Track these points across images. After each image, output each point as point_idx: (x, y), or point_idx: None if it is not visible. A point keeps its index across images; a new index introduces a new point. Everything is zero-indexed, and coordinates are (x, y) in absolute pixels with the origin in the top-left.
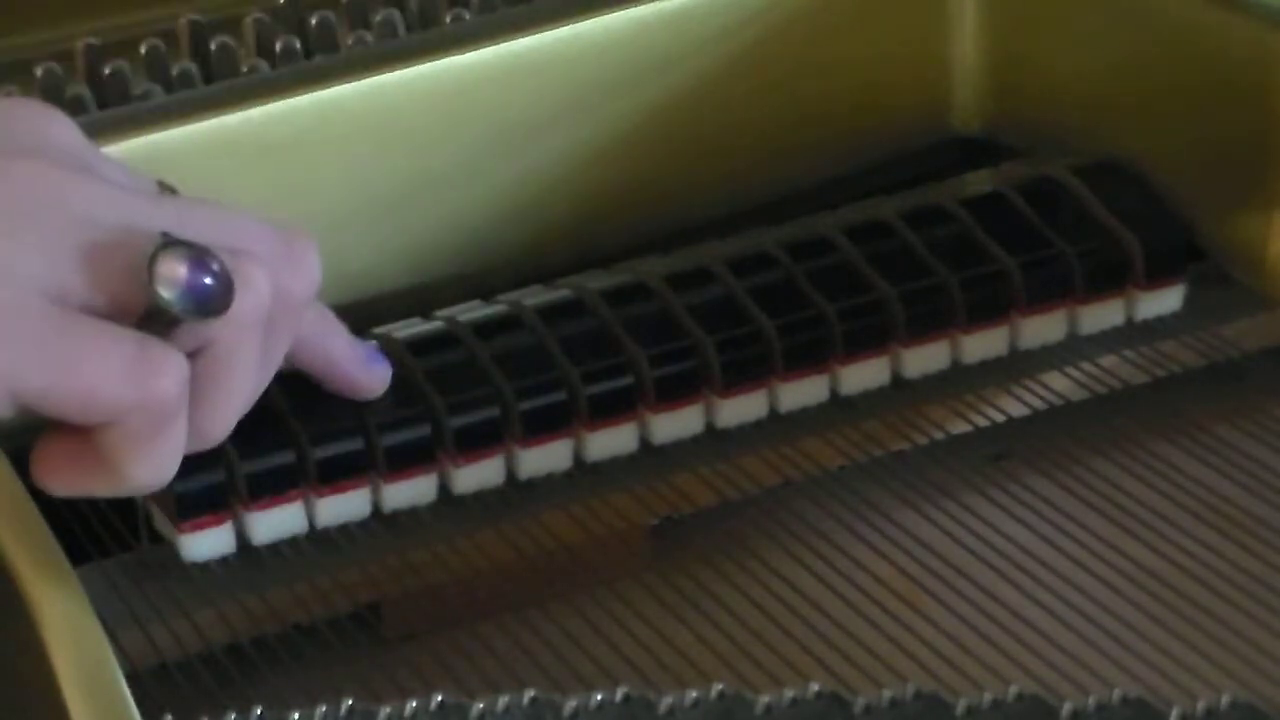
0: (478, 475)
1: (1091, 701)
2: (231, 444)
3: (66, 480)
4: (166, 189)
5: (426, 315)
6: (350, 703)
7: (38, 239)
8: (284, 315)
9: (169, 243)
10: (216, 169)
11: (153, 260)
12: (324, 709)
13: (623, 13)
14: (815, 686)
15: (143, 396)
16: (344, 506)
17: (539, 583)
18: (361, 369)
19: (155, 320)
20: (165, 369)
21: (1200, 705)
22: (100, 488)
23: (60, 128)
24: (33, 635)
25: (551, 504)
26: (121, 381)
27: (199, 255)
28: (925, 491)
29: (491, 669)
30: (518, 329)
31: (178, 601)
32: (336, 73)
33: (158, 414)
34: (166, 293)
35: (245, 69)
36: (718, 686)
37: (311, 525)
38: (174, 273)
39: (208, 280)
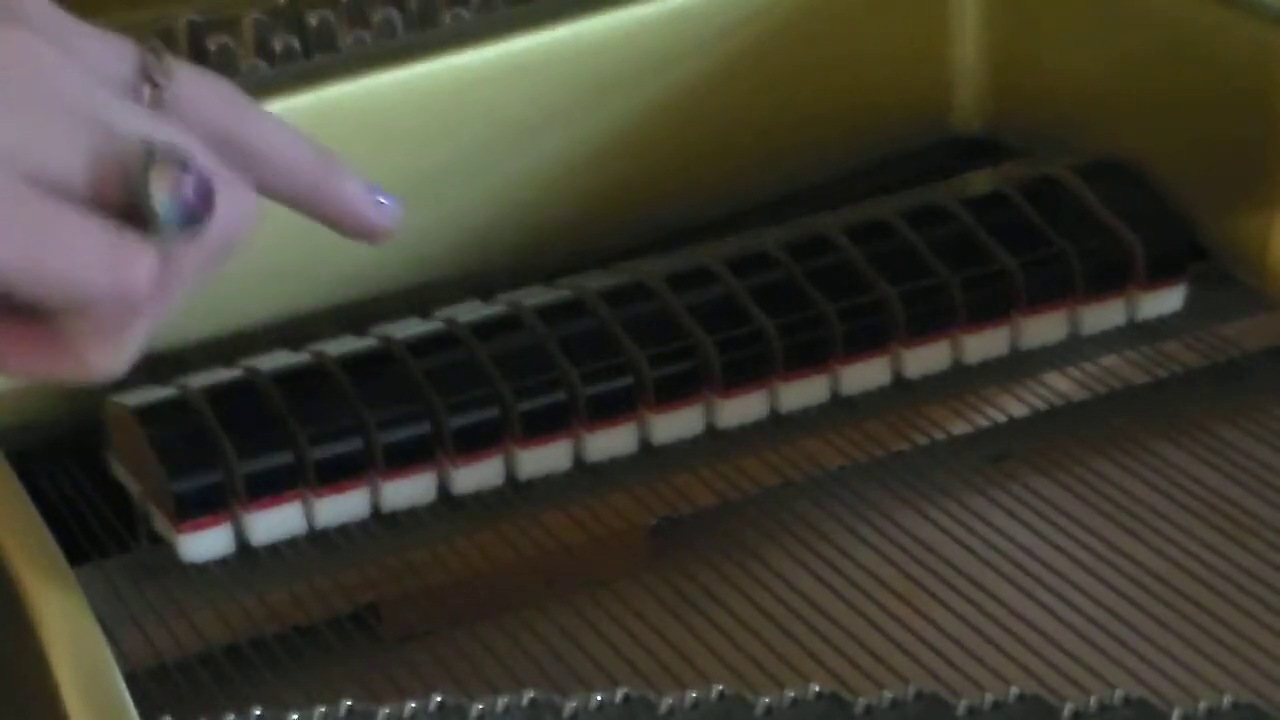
0: (477, 475)
1: (1093, 702)
2: (231, 444)
3: (22, 361)
4: (151, 54)
5: (426, 315)
6: (349, 703)
7: (18, 112)
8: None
9: (167, 150)
10: None
11: (148, 164)
12: (323, 710)
13: (623, 13)
14: (815, 686)
15: (115, 285)
16: (343, 507)
17: (539, 583)
18: (375, 210)
19: (133, 220)
20: (140, 260)
21: (1202, 705)
22: (56, 372)
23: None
24: (31, 636)
25: (551, 504)
26: (96, 268)
27: (195, 170)
28: (925, 491)
29: (491, 669)
30: (518, 329)
31: (176, 602)
32: (336, 73)
33: (127, 304)
34: (158, 197)
35: (245, 69)
36: (718, 686)
37: (310, 525)
38: (169, 181)
39: (196, 195)
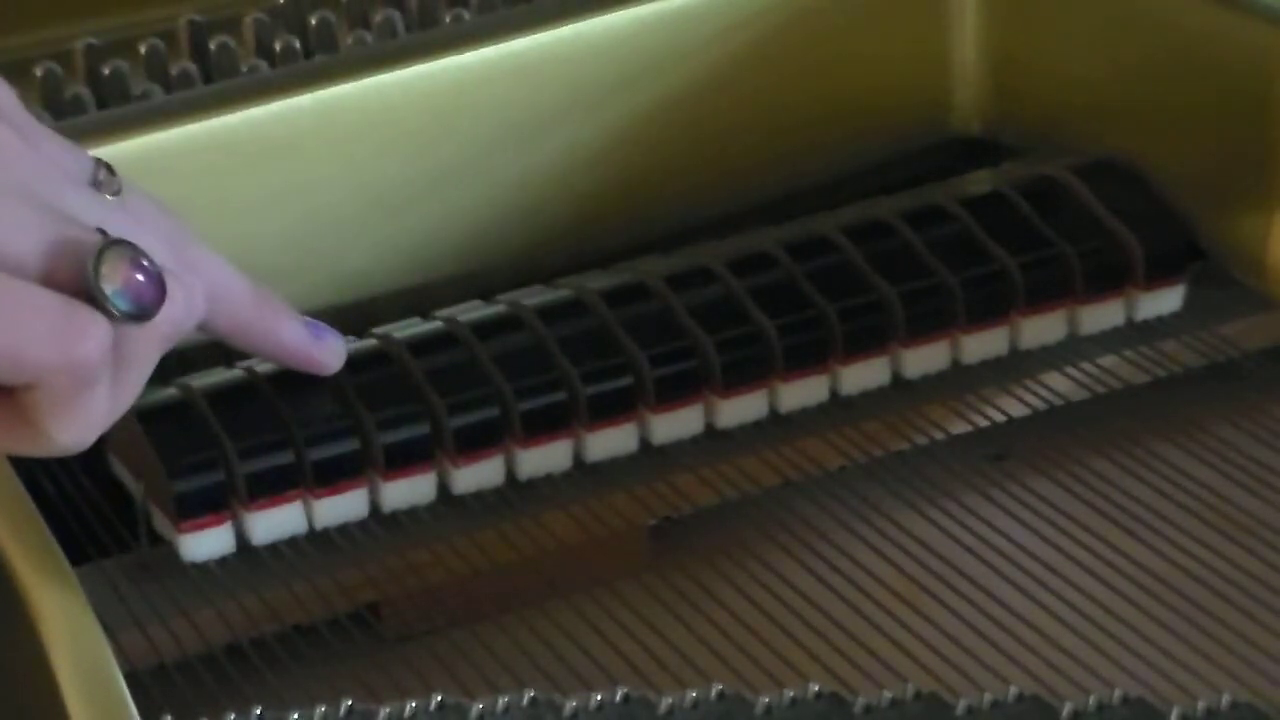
0: (477, 475)
1: (1092, 701)
2: (231, 444)
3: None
4: (104, 169)
5: (426, 315)
6: (350, 703)
7: None
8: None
9: (117, 241)
10: (216, 169)
11: (100, 255)
12: (323, 709)
13: (623, 13)
14: (815, 686)
15: (67, 358)
16: (343, 506)
17: (539, 583)
18: (314, 347)
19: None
20: (91, 332)
21: (1200, 705)
22: (22, 447)
23: (5, 93)
24: (32, 636)
25: (551, 504)
26: (47, 342)
27: (144, 260)
28: (925, 491)
29: (491, 669)
30: (518, 329)
31: (177, 602)
32: (336, 73)
33: (81, 376)
34: (109, 288)
35: (245, 69)
36: (718, 686)
37: (311, 525)
38: (119, 271)
39: (147, 286)
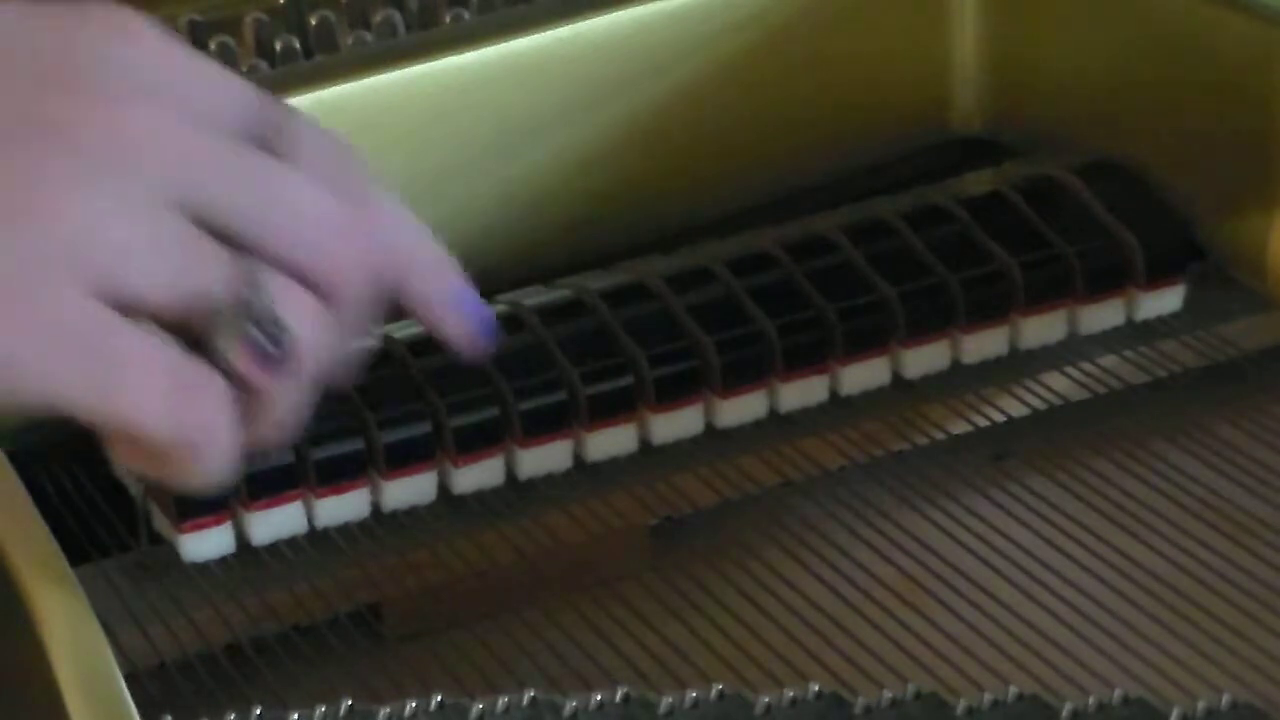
0: (478, 475)
1: (1091, 701)
2: None
3: (143, 467)
4: (270, 109)
5: None
6: (350, 703)
7: (121, 207)
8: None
9: (243, 305)
10: None
11: (218, 318)
12: (324, 709)
13: (623, 13)
14: (815, 686)
15: (175, 430)
16: (343, 506)
17: (539, 583)
18: (460, 323)
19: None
20: (204, 401)
21: (1200, 705)
22: (174, 479)
23: (169, 57)
24: (32, 635)
25: (551, 504)
26: (157, 409)
27: (267, 330)
28: (925, 491)
29: (491, 669)
30: (518, 329)
31: (177, 601)
32: (336, 73)
33: (189, 446)
34: (229, 353)
35: (245, 69)
36: (718, 686)
37: (311, 525)
38: (234, 346)
39: (270, 349)
